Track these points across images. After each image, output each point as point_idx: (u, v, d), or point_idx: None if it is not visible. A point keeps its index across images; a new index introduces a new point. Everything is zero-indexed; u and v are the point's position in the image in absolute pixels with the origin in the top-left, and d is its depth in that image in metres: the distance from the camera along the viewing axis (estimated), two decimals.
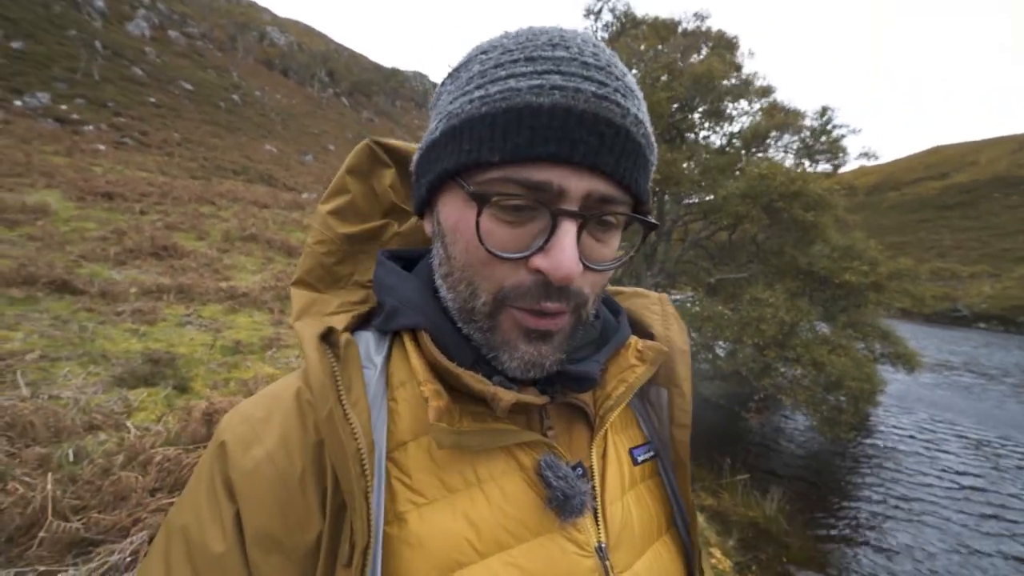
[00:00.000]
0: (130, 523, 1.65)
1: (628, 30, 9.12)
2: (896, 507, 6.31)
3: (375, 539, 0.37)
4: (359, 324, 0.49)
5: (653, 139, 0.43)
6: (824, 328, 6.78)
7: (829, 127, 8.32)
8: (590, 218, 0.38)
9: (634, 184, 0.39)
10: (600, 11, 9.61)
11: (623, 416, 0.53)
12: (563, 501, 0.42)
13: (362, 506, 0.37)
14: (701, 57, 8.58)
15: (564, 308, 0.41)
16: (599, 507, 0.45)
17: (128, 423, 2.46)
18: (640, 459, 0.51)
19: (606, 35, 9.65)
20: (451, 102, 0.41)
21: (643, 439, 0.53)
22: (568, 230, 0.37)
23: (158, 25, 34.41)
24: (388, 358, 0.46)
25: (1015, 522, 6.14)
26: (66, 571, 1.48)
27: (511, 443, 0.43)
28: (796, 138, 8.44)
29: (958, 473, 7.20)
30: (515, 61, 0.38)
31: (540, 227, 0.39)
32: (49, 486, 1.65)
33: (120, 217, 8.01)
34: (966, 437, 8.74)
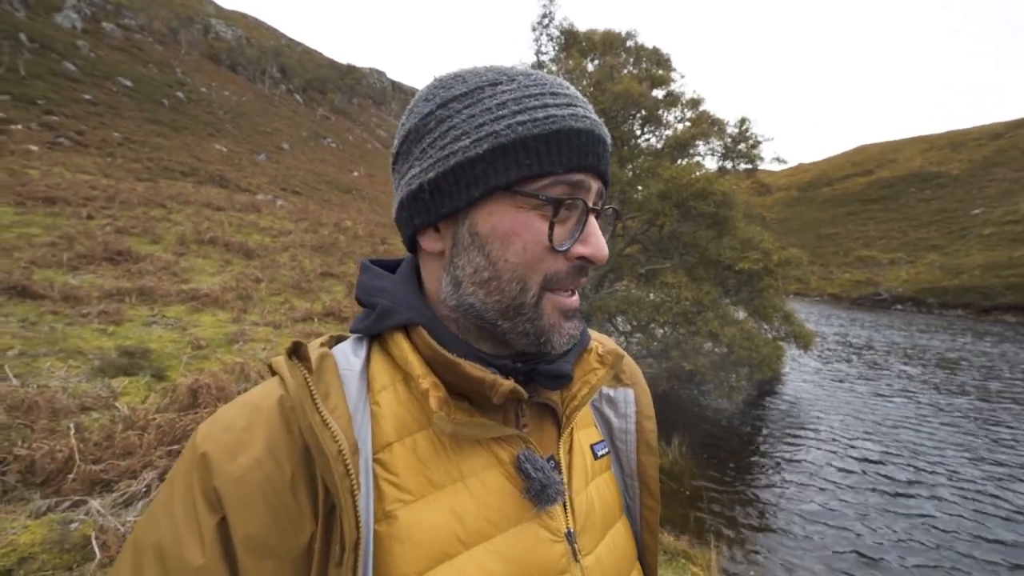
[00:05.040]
0: (140, 467, 2.12)
1: (570, 45, 9.94)
2: (782, 453, 7.39)
3: (364, 537, 0.39)
4: (335, 343, 0.52)
5: None
6: (735, 311, 7.82)
7: (747, 135, 9.46)
8: (600, 211, 0.50)
9: (608, 181, 0.51)
10: (548, 25, 10.39)
11: (584, 416, 0.59)
12: (540, 491, 0.46)
13: (349, 504, 0.38)
14: (632, 72, 9.51)
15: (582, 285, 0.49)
16: (567, 497, 0.50)
17: (117, 404, 2.86)
18: (599, 454, 0.58)
19: (556, 47, 10.42)
20: (488, 123, 0.45)
21: (600, 438, 0.60)
22: (594, 222, 0.48)
23: (90, 16, 32.20)
24: (367, 363, 0.49)
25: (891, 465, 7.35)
26: (94, 500, 1.94)
27: (496, 436, 0.47)
28: (719, 143, 9.55)
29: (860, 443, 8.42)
30: (544, 94, 0.46)
31: (573, 223, 0.47)
32: (73, 441, 2.08)
33: (66, 222, 7.92)
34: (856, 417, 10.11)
